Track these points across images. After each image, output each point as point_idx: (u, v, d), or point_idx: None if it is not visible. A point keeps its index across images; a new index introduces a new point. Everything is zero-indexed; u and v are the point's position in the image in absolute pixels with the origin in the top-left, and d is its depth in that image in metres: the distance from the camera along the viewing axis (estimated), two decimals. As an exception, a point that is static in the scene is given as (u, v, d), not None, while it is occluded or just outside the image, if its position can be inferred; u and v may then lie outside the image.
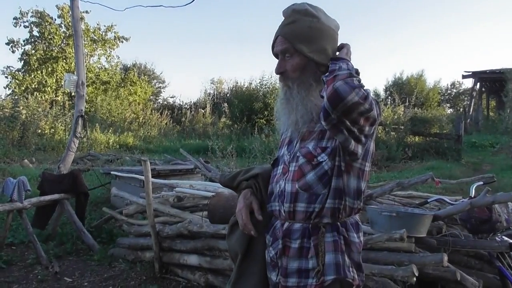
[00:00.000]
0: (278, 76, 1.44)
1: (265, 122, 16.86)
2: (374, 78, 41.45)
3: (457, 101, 28.81)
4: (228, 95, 24.40)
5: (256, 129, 14.34)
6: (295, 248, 1.34)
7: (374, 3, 51.54)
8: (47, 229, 4.78)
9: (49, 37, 18.71)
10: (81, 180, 4.85)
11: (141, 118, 19.62)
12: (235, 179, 1.58)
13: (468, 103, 21.14)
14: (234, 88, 23.77)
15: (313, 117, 1.35)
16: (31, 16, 18.75)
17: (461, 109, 24.38)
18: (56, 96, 18.60)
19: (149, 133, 17.92)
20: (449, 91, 29.79)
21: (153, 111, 21.22)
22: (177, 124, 21.11)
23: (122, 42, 20.69)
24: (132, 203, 4.29)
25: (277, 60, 1.43)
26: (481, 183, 3.42)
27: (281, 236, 1.37)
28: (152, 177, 4.13)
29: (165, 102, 26.87)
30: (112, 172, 6.35)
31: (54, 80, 18.38)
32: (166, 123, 20.38)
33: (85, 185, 4.91)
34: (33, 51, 18.61)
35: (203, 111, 21.56)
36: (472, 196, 3.11)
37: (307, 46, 1.33)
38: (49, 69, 18.43)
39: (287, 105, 1.39)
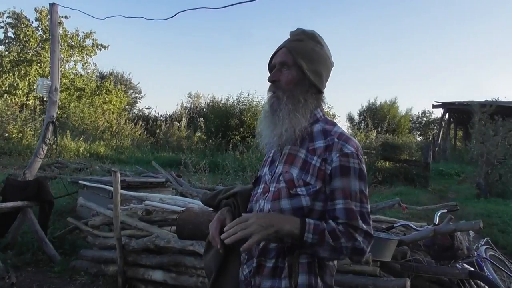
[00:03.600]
0: (268, 85, 1.44)
1: (240, 139, 16.91)
2: (350, 102, 42.45)
3: (427, 130, 29.76)
4: (204, 110, 24.41)
5: (230, 145, 14.35)
6: (269, 267, 1.33)
7: (352, 30, 53.11)
8: (7, 237, 4.58)
9: (25, 39, 18.28)
10: (47, 187, 4.70)
11: (115, 127, 19.30)
12: (216, 198, 1.59)
13: (437, 132, 21.86)
14: (211, 103, 23.80)
15: (296, 134, 1.36)
16: (7, 17, 18.33)
17: (430, 138, 25.19)
18: (27, 100, 18.08)
19: (121, 143, 17.61)
20: (419, 119, 30.79)
21: (127, 121, 20.91)
22: (151, 135, 20.88)
23: (100, 49, 20.43)
24: (99, 214, 4.19)
25: (265, 77, 1.46)
26: (445, 210, 3.53)
27: (257, 254, 1.36)
28: (122, 188, 4.05)
29: (140, 113, 26.57)
30: (80, 181, 6.20)
31: (26, 84, 17.88)
32: (139, 134, 20.12)
33: (50, 193, 4.76)
34: (6, 52, 18.11)
35: (178, 124, 21.42)
36: (436, 223, 3.20)
37: (307, 63, 1.39)
38: (22, 72, 17.93)
39: (272, 117, 1.40)
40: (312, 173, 1.32)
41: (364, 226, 1.27)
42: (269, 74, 1.47)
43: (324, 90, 1.46)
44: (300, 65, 1.38)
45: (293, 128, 1.36)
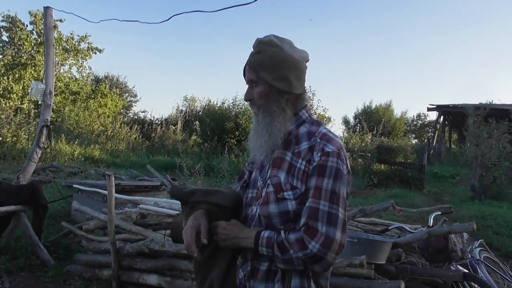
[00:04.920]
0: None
1: (235, 142, 16.91)
2: (345, 106, 42.55)
3: (422, 132, 29.88)
4: (200, 113, 24.37)
5: (226, 149, 14.34)
6: (263, 271, 1.33)
7: (347, 34, 53.36)
8: (0, 242, 4.54)
9: (19, 43, 18.21)
10: (41, 192, 4.67)
11: (110, 131, 19.21)
12: (191, 196, 1.53)
13: (432, 134, 21.98)
14: (206, 107, 23.79)
15: (278, 142, 1.38)
16: (1, 21, 18.26)
17: (425, 140, 25.30)
18: (21, 104, 17.96)
19: (116, 147, 17.53)
20: (414, 122, 30.94)
21: (122, 124, 20.81)
22: (146, 139, 20.80)
23: (95, 53, 20.34)
24: (93, 218, 4.17)
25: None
26: (439, 212, 3.55)
27: (251, 258, 1.36)
28: (117, 192, 4.04)
29: (136, 117, 26.48)
30: (74, 185, 6.16)
31: (20, 87, 17.77)
32: (135, 138, 20.04)
33: (44, 197, 4.73)
34: (0, 56, 18.04)
35: (174, 127, 21.37)
36: (431, 225, 3.22)
37: (269, 74, 1.38)
38: (16, 75, 17.82)
39: (255, 130, 1.44)
40: (298, 176, 1.32)
41: (324, 229, 1.21)
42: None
43: (300, 91, 1.44)
44: (264, 78, 1.39)
45: (273, 138, 1.39)
